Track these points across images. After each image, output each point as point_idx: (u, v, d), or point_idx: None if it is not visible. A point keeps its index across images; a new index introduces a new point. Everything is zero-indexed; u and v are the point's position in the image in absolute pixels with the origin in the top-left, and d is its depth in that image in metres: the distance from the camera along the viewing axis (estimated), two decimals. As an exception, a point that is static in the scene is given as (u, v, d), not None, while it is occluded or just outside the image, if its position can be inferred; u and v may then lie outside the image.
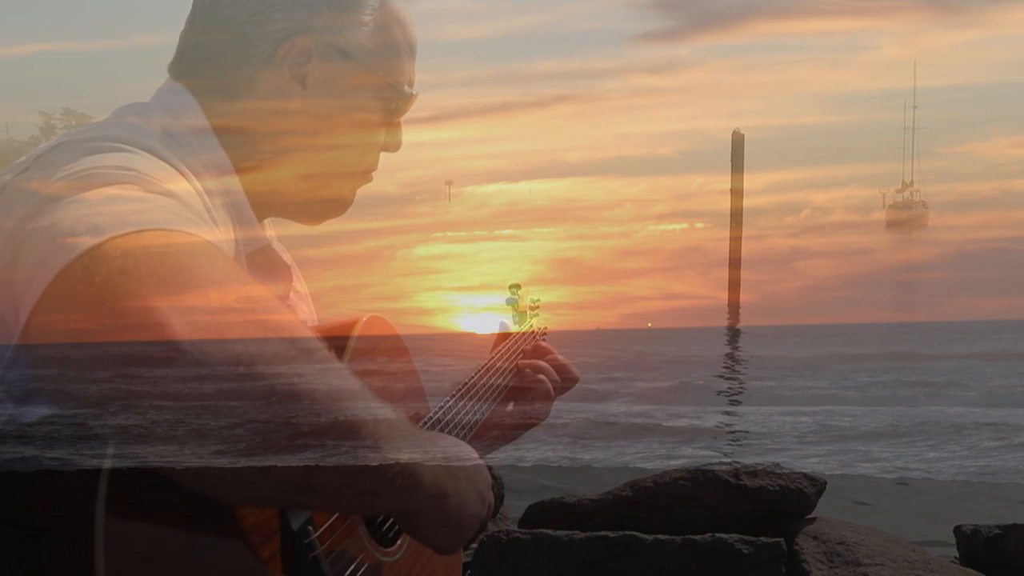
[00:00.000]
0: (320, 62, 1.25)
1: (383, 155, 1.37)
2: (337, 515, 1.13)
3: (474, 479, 1.16)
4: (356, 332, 1.22)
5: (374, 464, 0.96)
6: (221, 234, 1.14)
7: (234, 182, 1.24)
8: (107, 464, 0.85)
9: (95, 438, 0.85)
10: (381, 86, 1.30)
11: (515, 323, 1.81)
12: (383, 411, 0.99)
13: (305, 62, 1.25)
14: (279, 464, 0.91)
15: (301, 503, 1.01)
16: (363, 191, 1.36)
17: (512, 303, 1.82)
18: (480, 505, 1.16)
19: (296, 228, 1.39)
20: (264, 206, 1.31)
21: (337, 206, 1.35)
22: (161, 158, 1.09)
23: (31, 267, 0.90)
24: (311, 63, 1.25)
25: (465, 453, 1.19)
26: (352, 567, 1.15)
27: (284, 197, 1.31)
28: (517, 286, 1.83)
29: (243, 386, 0.87)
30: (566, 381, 1.69)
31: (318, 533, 1.07)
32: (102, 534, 0.84)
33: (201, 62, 1.26)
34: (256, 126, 1.25)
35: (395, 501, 1.05)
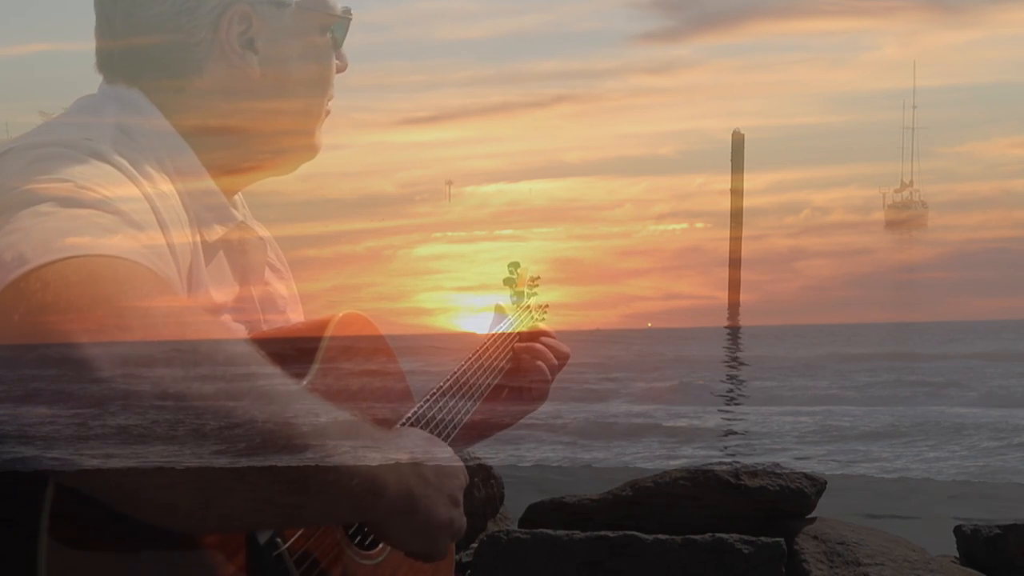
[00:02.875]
0: (262, 21, 1.25)
1: (381, 156, 1.37)
2: None
3: (444, 482, 1.13)
4: (329, 332, 1.19)
5: (329, 473, 0.94)
6: (174, 238, 1.11)
7: (199, 174, 1.22)
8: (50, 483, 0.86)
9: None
10: (323, 20, 1.31)
11: (514, 302, 1.79)
12: (328, 415, 0.97)
13: (248, 28, 1.24)
14: (279, 464, 0.91)
15: (254, 524, 0.99)
16: (364, 191, 1.37)
17: (510, 282, 1.81)
18: (451, 508, 1.13)
19: (297, 228, 1.39)
20: (235, 185, 1.30)
21: (309, 148, 1.34)
22: (108, 161, 1.08)
23: None
24: (253, 27, 1.24)
25: (437, 451, 1.16)
26: (329, 571, 1.11)
27: (257, 160, 1.30)
28: (516, 264, 1.82)
29: (137, 388, 0.86)
30: (559, 359, 1.68)
31: (289, 543, 1.04)
32: (45, 549, 0.84)
33: (136, 64, 1.23)
34: (216, 113, 1.24)
35: (357, 511, 1.03)
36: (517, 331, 1.70)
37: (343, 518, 1.11)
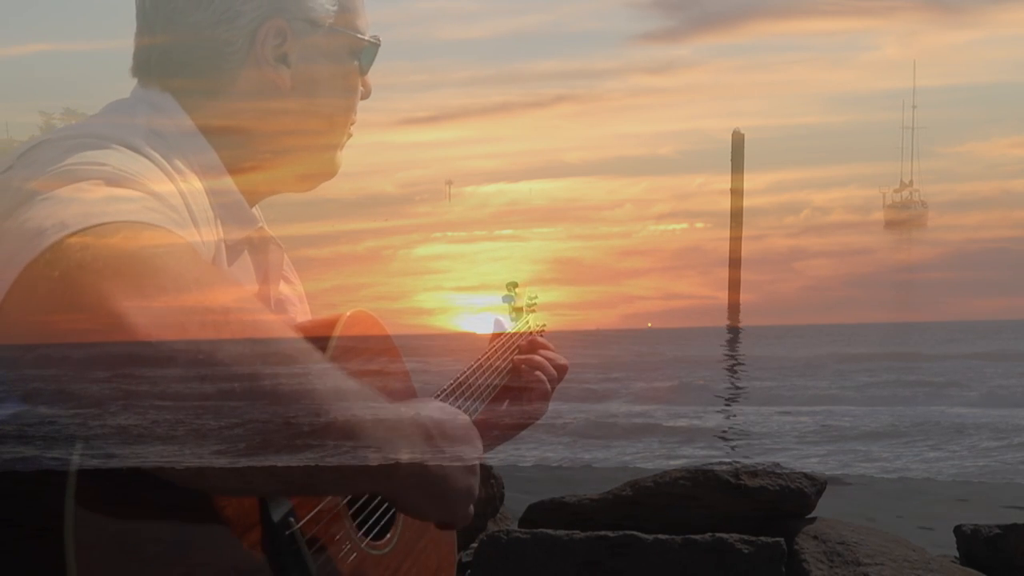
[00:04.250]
0: (296, 38, 1.28)
1: (381, 156, 1.40)
2: (320, 507, 1.11)
3: (460, 449, 1.14)
4: (338, 331, 1.21)
5: (373, 463, 0.96)
6: (203, 234, 1.14)
7: (225, 179, 1.25)
8: (75, 461, 0.85)
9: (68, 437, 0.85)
10: (352, 44, 1.34)
11: (512, 321, 1.80)
12: (383, 410, 1.00)
13: (283, 43, 1.27)
14: (279, 464, 0.91)
15: (276, 489, 1.01)
16: (364, 191, 1.39)
17: (509, 301, 1.81)
18: (468, 475, 1.14)
19: (297, 228, 1.41)
20: (259, 192, 1.33)
21: (331, 167, 1.39)
22: (143, 155, 1.10)
23: (1, 265, 0.91)
24: (288, 42, 1.28)
25: (457, 418, 1.17)
26: (337, 559, 1.13)
27: (279, 176, 1.34)
28: (514, 284, 1.83)
29: (203, 387, 0.87)
30: (558, 371, 1.69)
31: (300, 524, 1.05)
32: (72, 530, 0.84)
33: (173, 67, 1.26)
34: (246, 120, 1.27)
35: (374, 479, 1.04)
36: (516, 344, 1.71)
37: (362, 487, 1.13)
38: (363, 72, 1.37)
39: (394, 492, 1.09)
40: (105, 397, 0.86)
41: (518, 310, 1.82)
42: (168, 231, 0.97)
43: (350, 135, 1.39)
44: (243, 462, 0.90)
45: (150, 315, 0.87)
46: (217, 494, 0.97)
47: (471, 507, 1.16)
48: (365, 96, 1.39)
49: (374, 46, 1.37)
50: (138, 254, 0.91)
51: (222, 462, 0.89)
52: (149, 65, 1.28)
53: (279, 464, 0.92)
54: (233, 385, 0.89)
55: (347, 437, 0.95)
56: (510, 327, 1.77)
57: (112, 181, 1.01)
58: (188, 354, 0.88)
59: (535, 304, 1.89)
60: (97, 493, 0.86)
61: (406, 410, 1.06)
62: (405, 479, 1.06)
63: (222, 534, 0.97)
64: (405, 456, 1.03)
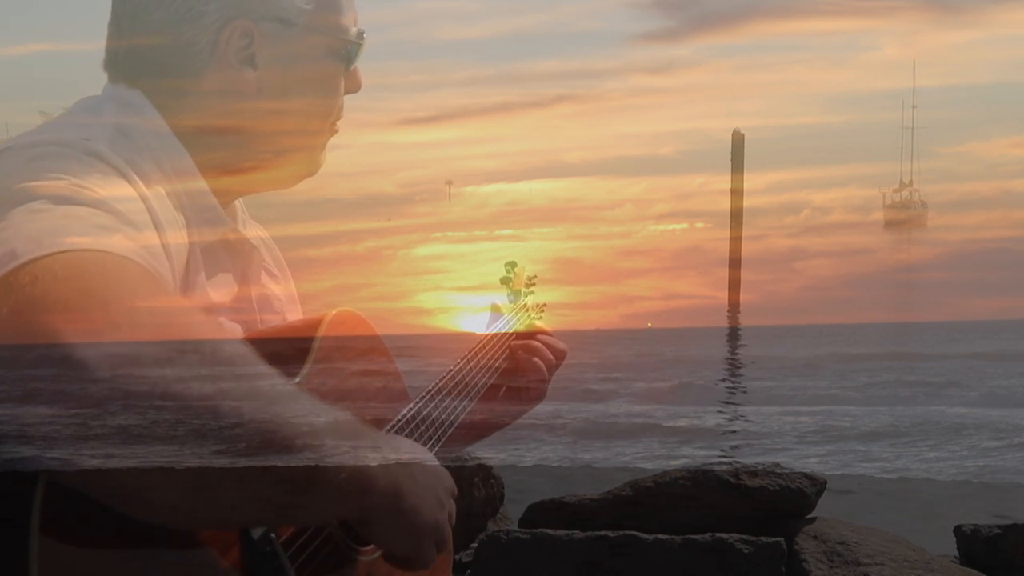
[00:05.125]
0: (264, 39, 1.24)
1: (381, 156, 1.37)
2: None
3: (432, 482, 1.12)
4: (321, 331, 1.18)
5: (318, 468, 0.93)
6: (168, 237, 1.11)
7: (195, 179, 1.22)
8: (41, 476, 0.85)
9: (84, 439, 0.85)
10: (332, 43, 1.29)
11: (511, 301, 1.78)
12: (326, 415, 0.97)
13: (249, 44, 1.24)
14: (279, 464, 0.91)
15: (242, 520, 0.98)
16: (364, 191, 1.37)
17: (507, 281, 1.79)
18: (438, 510, 1.12)
19: (296, 228, 1.39)
20: (231, 192, 1.29)
21: (311, 166, 1.34)
22: (105, 161, 1.08)
23: None
24: (255, 43, 1.24)
25: (422, 457, 1.15)
26: (324, 565, 1.11)
27: (256, 176, 1.30)
28: (513, 263, 1.81)
29: (129, 388, 0.86)
30: (557, 356, 1.66)
31: (283, 539, 1.04)
32: (37, 549, 0.84)
33: (138, 65, 1.24)
34: (215, 121, 1.24)
35: (346, 508, 1.03)
36: (514, 330, 1.69)
37: (332, 514, 1.10)
38: (346, 70, 1.32)
39: (365, 524, 1.07)
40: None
41: (516, 291, 1.80)
42: (115, 255, 0.95)
43: (334, 131, 1.34)
44: (243, 462, 0.90)
45: (99, 350, 0.86)
46: (192, 529, 0.96)
47: (439, 546, 1.13)
48: (353, 91, 1.35)
49: (357, 44, 1.31)
50: (87, 284, 0.90)
51: (222, 462, 0.89)
52: (117, 61, 1.26)
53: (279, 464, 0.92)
54: (204, 413, 0.88)
55: (262, 440, 0.92)
56: (509, 308, 1.75)
57: (67, 198, 0.99)
58: (155, 387, 0.87)
59: (535, 281, 1.87)
60: (65, 520, 0.86)
61: (322, 413, 1.00)
62: (377, 506, 1.04)
63: (202, 554, 0.96)
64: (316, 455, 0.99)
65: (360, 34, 1.32)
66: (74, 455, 0.84)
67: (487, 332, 1.64)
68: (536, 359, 1.63)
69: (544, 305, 1.86)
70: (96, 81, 1.28)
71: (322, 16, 1.28)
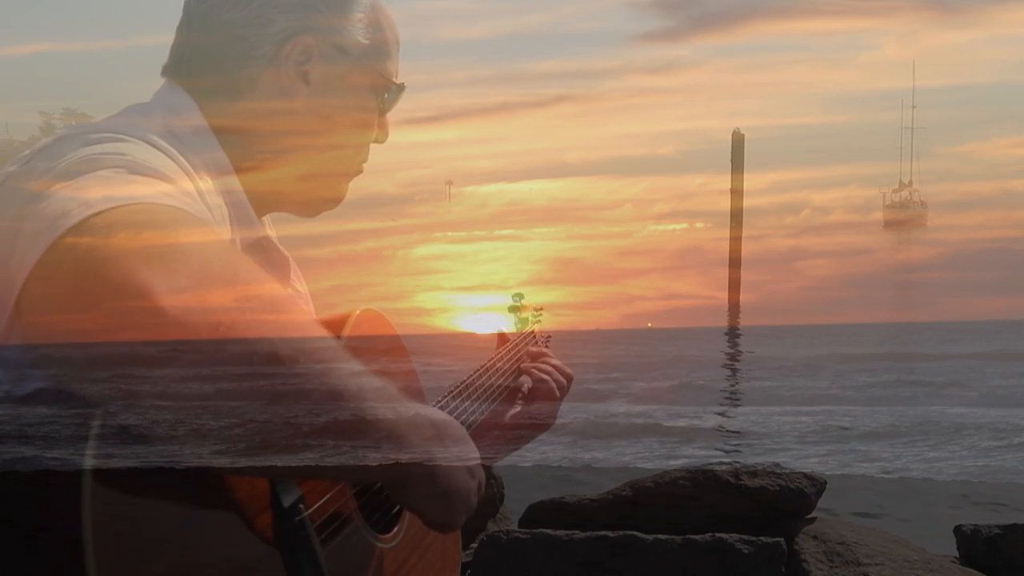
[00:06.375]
0: (321, 61, 1.29)
1: (381, 156, 1.42)
2: (329, 495, 1.12)
3: (464, 450, 1.15)
4: (347, 330, 1.22)
5: (355, 424, 0.97)
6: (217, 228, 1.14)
7: (234, 181, 1.26)
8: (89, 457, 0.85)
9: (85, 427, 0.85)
10: (376, 82, 1.35)
11: (517, 329, 1.82)
12: (403, 407, 1.02)
13: (307, 61, 1.29)
14: (279, 464, 0.91)
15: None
16: (364, 191, 1.39)
17: (514, 310, 1.84)
18: (469, 479, 1.16)
19: (296, 228, 1.42)
20: (263, 204, 1.34)
21: (334, 202, 1.40)
22: (161, 150, 1.11)
23: (26, 245, 0.92)
24: (312, 62, 1.29)
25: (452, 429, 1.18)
26: (345, 548, 1.14)
27: (283, 196, 1.35)
28: (520, 295, 1.86)
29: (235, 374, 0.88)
30: (567, 379, 1.71)
31: (309, 512, 1.06)
32: (89, 523, 0.84)
33: (201, 65, 1.28)
34: (258, 126, 1.29)
35: (380, 468, 1.04)
36: (523, 348, 1.72)
37: (366, 471, 1.12)
38: (382, 112, 1.37)
39: (398, 484, 1.10)
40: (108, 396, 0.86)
41: (523, 320, 1.84)
42: (194, 216, 0.98)
43: (359, 172, 1.40)
44: (243, 462, 0.90)
45: (177, 295, 0.87)
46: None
47: (467, 512, 1.17)
48: (381, 140, 1.40)
49: (399, 89, 1.37)
50: (161, 231, 0.92)
51: (222, 462, 0.89)
52: (181, 61, 1.30)
53: (279, 464, 0.92)
54: (243, 384, 0.90)
55: (353, 434, 0.96)
56: (515, 335, 1.78)
57: (134, 170, 1.02)
58: (208, 346, 0.88)
59: (541, 311, 1.91)
60: (108, 486, 0.86)
61: (404, 410, 1.06)
62: (411, 471, 1.06)
63: (232, 519, 0.98)
64: (405, 456, 1.03)
65: (401, 85, 1.38)
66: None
67: (497, 350, 1.67)
68: (546, 376, 1.66)
69: (550, 336, 1.90)
70: (96, 81, 1.30)
71: (374, 54, 1.34)
